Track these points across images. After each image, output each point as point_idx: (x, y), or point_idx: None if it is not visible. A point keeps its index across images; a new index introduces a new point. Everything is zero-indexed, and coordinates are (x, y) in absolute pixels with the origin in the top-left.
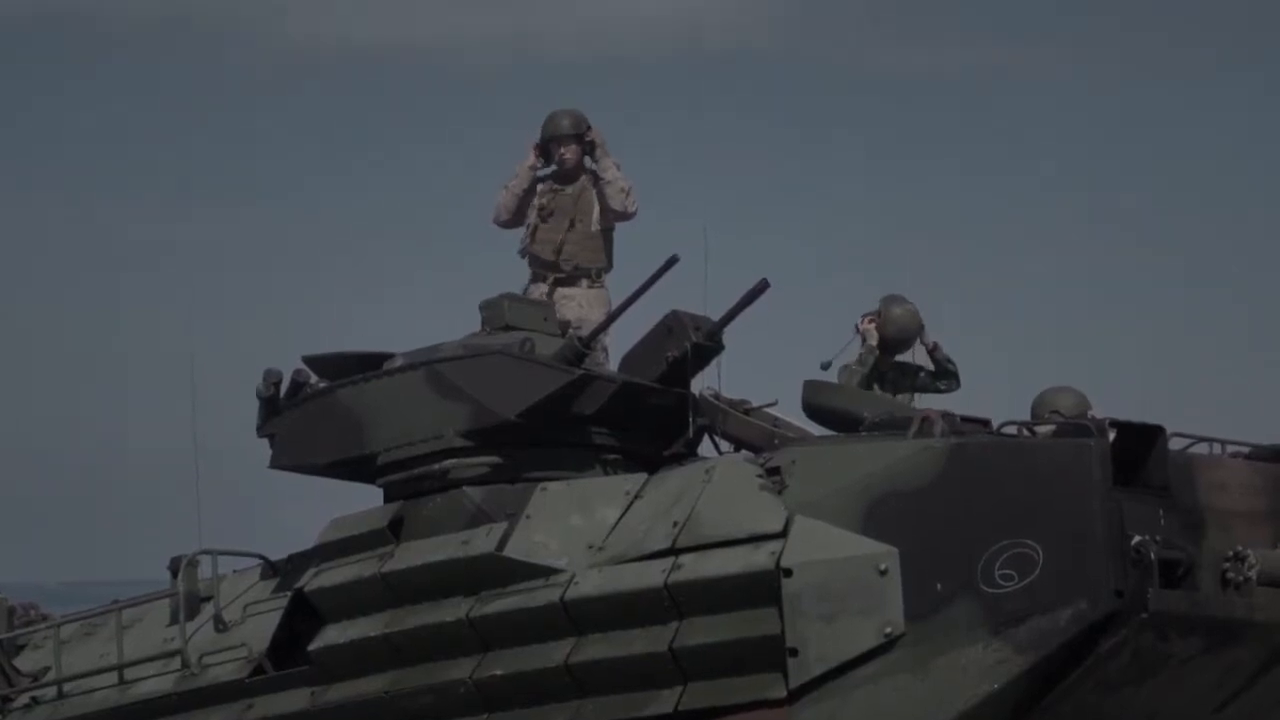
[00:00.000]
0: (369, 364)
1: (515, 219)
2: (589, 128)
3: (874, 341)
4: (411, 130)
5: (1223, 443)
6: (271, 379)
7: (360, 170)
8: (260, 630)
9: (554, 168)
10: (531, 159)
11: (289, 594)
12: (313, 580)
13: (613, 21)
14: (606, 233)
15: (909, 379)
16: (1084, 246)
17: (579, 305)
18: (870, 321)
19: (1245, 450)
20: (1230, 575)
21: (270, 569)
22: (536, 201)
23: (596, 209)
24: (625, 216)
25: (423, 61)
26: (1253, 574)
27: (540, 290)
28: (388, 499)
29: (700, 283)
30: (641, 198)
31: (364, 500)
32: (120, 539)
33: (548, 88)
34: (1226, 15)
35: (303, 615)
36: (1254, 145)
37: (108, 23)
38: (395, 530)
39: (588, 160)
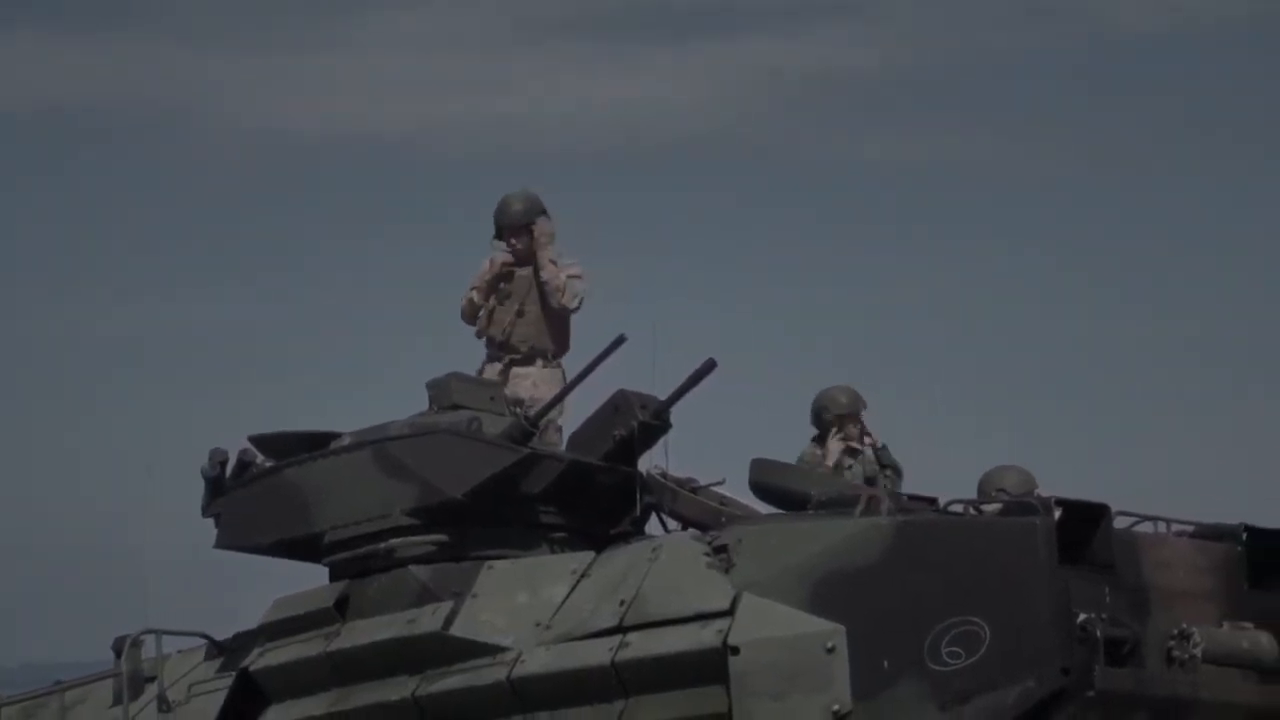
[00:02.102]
0: (315, 443)
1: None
2: (543, 212)
3: (832, 462)
4: (360, 214)
5: (1167, 521)
6: (217, 458)
7: (306, 253)
8: (205, 710)
9: (506, 248)
10: (501, 260)
11: (234, 674)
12: (258, 660)
13: (579, 110)
14: (555, 318)
15: (859, 464)
16: (1034, 327)
17: (533, 384)
18: (839, 435)
19: (1189, 529)
20: (1175, 653)
21: (215, 649)
22: (499, 274)
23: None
24: (565, 312)
25: (378, 149)
26: (1197, 652)
27: (495, 369)
28: (333, 578)
29: (649, 362)
30: (598, 280)
31: (310, 580)
32: (62, 620)
33: (510, 175)
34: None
35: (248, 695)
36: (1200, 229)
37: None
38: (341, 609)
39: (534, 246)
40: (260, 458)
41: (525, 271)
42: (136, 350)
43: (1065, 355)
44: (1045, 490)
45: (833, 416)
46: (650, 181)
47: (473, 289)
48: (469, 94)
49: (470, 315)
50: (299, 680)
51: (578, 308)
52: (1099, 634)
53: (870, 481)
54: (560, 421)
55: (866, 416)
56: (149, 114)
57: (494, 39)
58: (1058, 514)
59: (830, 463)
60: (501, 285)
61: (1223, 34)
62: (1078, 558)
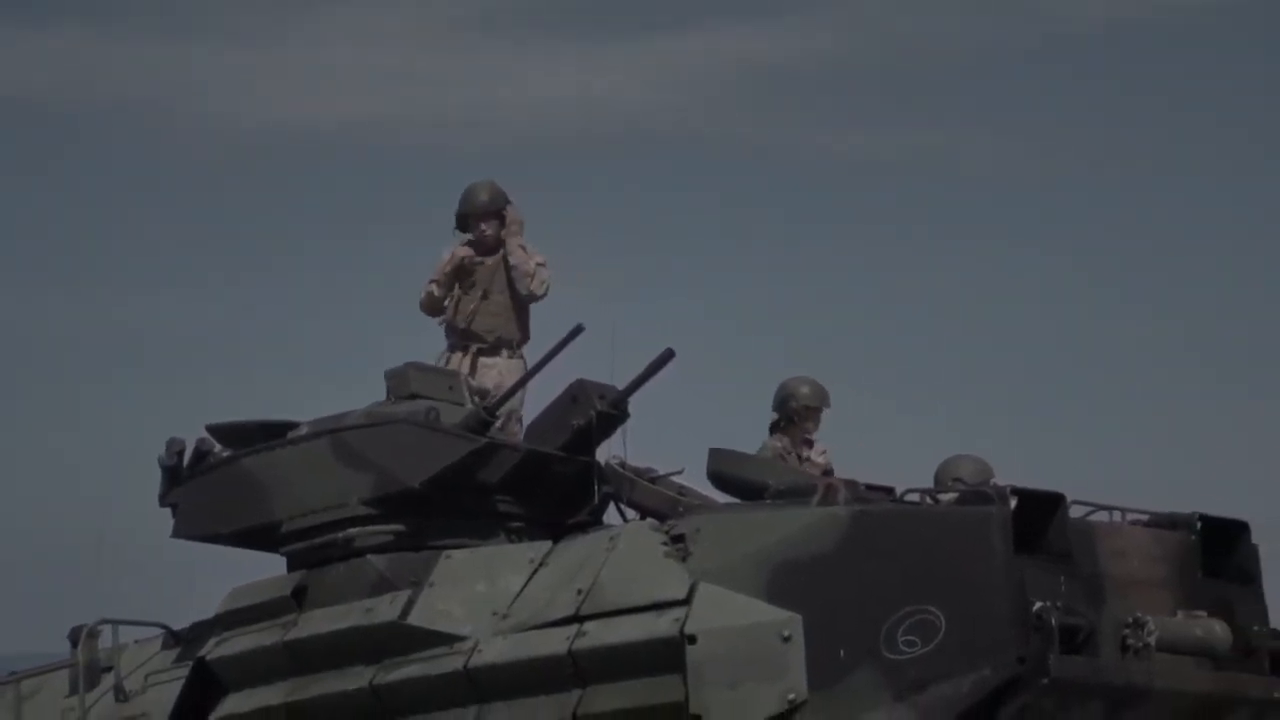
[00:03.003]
0: (273, 433)
1: (442, 308)
2: (508, 202)
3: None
4: (318, 206)
5: (1122, 510)
6: (175, 448)
7: (269, 241)
8: (161, 700)
9: (470, 237)
10: (461, 253)
11: (191, 663)
12: (215, 649)
13: (545, 101)
14: (521, 306)
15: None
16: (991, 318)
17: (499, 374)
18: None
19: (1144, 518)
20: (1130, 641)
21: (172, 638)
22: (464, 264)
23: (508, 284)
24: (531, 299)
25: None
26: (1152, 640)
27: (459, 359)
28: (291, 567)
29: (607, 352)
30: (559, 269)
31: (267, 569)
32: (16, 610)
33: (470, 166)
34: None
35: (205, 685)
36: (1158, 219)
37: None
38: (298, 598)
39: (504, 233)
40: (218, 447)
41: (491, 260)
42: (91, 344)
43: (1021, 346)
44: (1002, 479)
45: (798, 406)
46: (609, 173)
47: (432, 281)
48: (428, 86)
49: (429, 308)
50: (256, 670)
51: (545, 295)
52: (1054, 622)
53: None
54: (520, 412)
55: (828, 416)
56: (101, 108)
57: (452, 31)
58: (1013, 503)
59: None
60: (463, 276)
61: (1179, 26)
62: (1033, 547)
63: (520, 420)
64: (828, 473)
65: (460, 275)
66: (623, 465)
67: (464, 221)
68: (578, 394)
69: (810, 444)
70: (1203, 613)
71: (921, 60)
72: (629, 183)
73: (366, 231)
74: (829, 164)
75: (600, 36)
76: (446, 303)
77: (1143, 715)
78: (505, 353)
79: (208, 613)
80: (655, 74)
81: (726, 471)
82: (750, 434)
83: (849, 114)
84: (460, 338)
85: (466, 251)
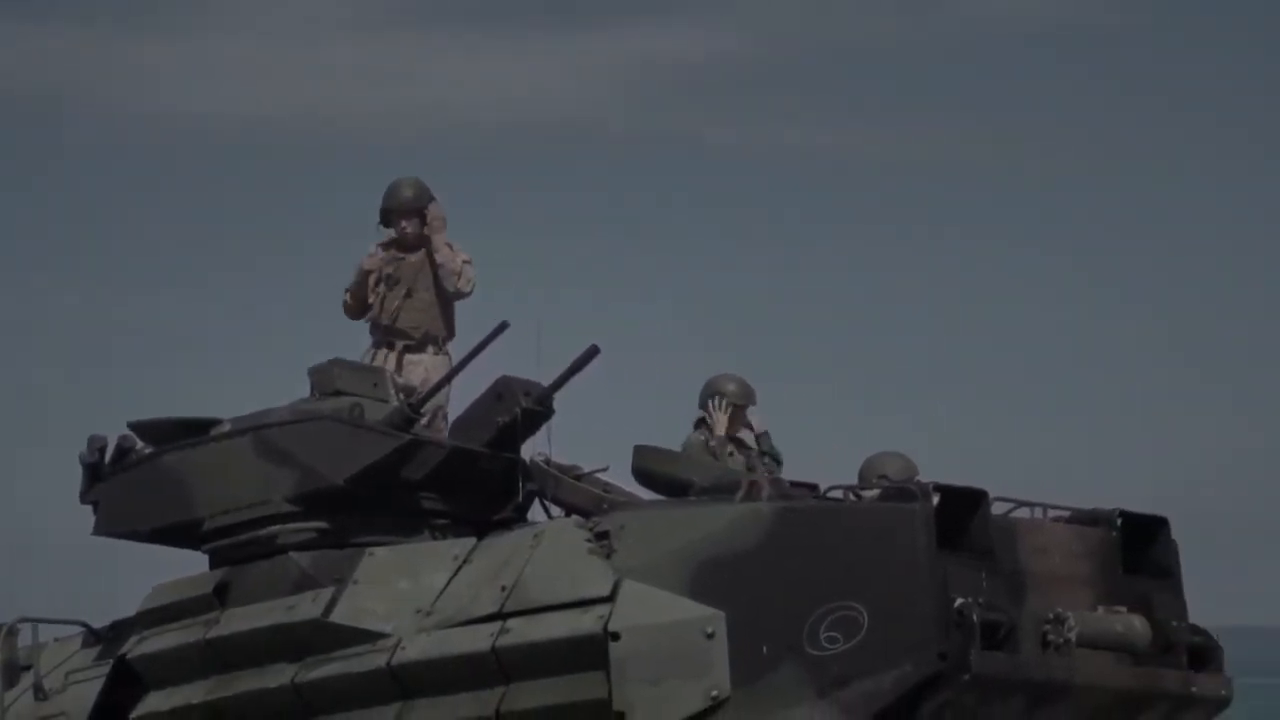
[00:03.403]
0: (195, 429)
1: (365, 308)
2: (432, 199)
3: (722, 431)
4: (242, 199)
5: (1044, 507)
6: (96, 445)
7: (187, 234)
8: (82, 699)
9: (393, 234)
10: (369, 267)
11: (111, 661)
12: (136, 647)
13: (459, 96)
14: (446, 303)
15: (744, 452)
16: (916, 316)
17: (424, 370)
18: (722, 406)
19: (1066, 514)
20: (1050, 637)
21: (92, 636)
22: (382, 270)
23: (434, 281)
24: (458, 296)
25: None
26: (1072, 636)
27: (385, 356)
28: (213, 565)
29: (532, 348)
30: (484, 266)
31: (189, 567)
32: None
33: (395, 161)
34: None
35: (125, 683)
36: (1091, 213)
37: None
38: (220, 596)
39: (427, 230)
40: (139, 444)
41: (414, 257)
42: (7, 336)
43: (943, 344)
44: (926, 477)
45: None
46: (531, 168)
47: (346, 291)
48: (352, 80)
49: (350, 314)
50: (177, 668)
51: (470, 292)
52: (975, 618)
53: (750, 469)
54: (446, 408)
55: (753, 412)
56: (21, 98)
57: (376, 25)
58: (936, 500)
59: (720, 431)
60: (388, 270)
61: (1098, 26)
62: (956, 543)
63: (446, 417)
64: (764, 453)
65: (380, 280)
66: (548, 462)
67: (387, 217)
68: (503, 391)
69: (741, 443)
70: (1123, 608)
71: (821, 58)
72: (552, 178)
73: (291, 225)
74: (755, 160)
75: (520, 30)
76: (371, 301)
77: (1063, 710)
78: (431, 349)
79: (129, 611)
80: (573, 71)
81: (652, 469)
82: (676, 431)
83: (772, 110)
84: (385, 335)
85: (374, 264)
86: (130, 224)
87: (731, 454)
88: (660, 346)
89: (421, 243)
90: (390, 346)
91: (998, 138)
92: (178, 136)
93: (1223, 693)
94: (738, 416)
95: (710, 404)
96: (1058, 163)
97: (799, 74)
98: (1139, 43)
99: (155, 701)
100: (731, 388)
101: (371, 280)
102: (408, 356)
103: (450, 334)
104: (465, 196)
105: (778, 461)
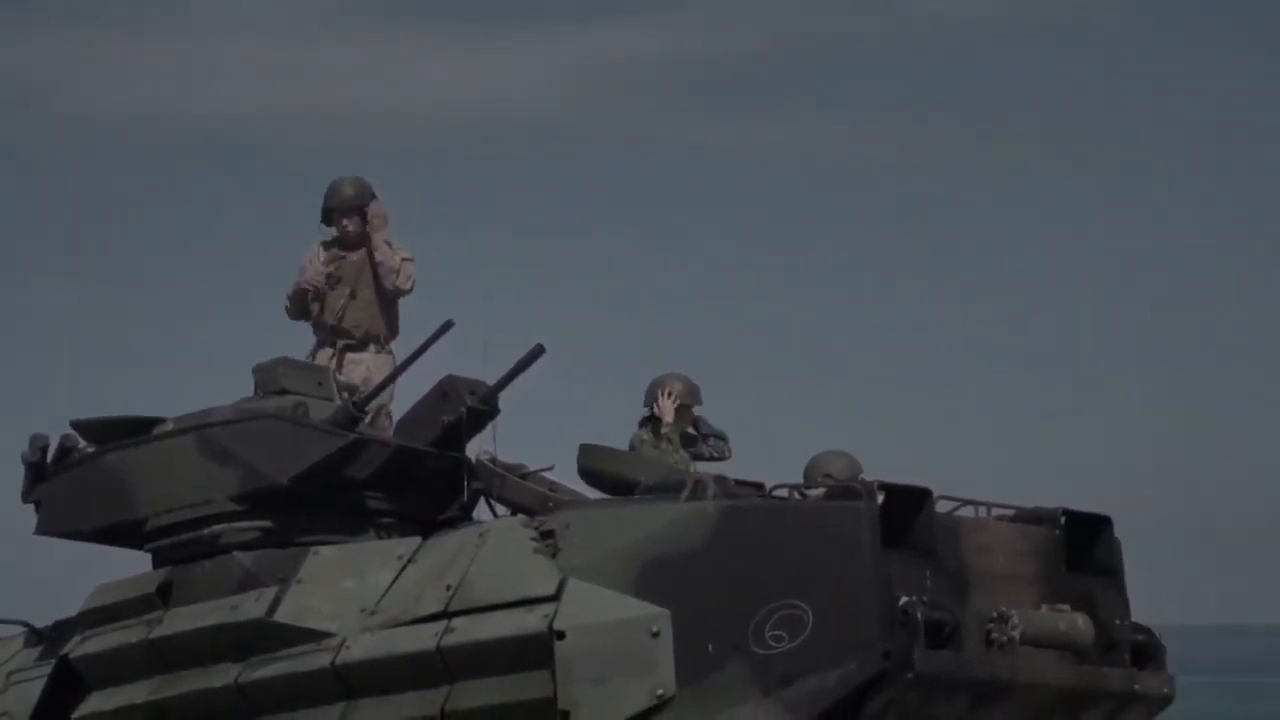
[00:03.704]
0: (138, 428)
1: (306, 310)
2: (373, 197)
3: (670, 418)
4: (189, 198)
5: (988, 505)
6: (38, 444)
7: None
8: (23, 699)
9: (335, 232)
10: (306, 286)
11: (53, 661)
12: (78, 647)
13: (415, 94)
14: (388, 302)
15: (692, 448)
16: (863, 315)
17: (366, 369)
18: (670, 396)
19: (1010, 513)
20: (994, 636)
21: (34, 636)
22: (322, 268)
23: (375, 279)
24: (398, 294)
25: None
26: (1016, 634)
27: (327, 355)
28: (157, 564)
29: (478, 347)
30: (429, 266)
31: (132, 567)
32: None
33: (349, 160)
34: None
35: (68, 683)
36: (1036, 214)
37: None
38: (164, 595)
39: (368, 228)
40: (82, 443)
41: (356, 256)
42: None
43: (889, 344)
44: (871, 476)
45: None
46: (480, 167)
47: (288, 297)
48: (308, 79)
49: (293, 314)
50: (120, 668)
51: (410, 290)
52: (920, 617)
53: (697, 456)
54: (390, 408)
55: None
56: None
57: (332, 24)
58: (881, 498)
59: (669, 419)
60: (330, 270)
61: (1050, 28)
62: (900, 542)
63: (390, 415)
64: (707, 435)
65: (306, 300)
66: (493, 461)
67: (329, 216)
68: (448, 389)
69: (693, 440)
70: (1066, 606)
71: (792, 55)
72: (501, 177)
73: (241, 225)
74: (701, 158)
75: (481, 28)
76: (312, 301)
77: (1006, 709)
78: (373, 348)
79: (71, 610)
80: (532, 70)
81: (597, 467)
82: (622, 430)
83: (718, 109)
84: (328, 334)
85: (312, 283)
86: (61, 221)
87: (680, 450)
88: (608, 345)
89: (363, 241)
90: (332, 346)
91: (957, 136)
92: (139, 134)
93: (1165, 690)
94: (684, 415)
95: (659, 393)
96: (1016, 162)
97: (762, 73)
98: (1100, 43)
99: (98, 702)
100: (678, 386)
101: (309, 296)
102: (349, 355)
103: (393, 333)
104: (413, 196)
105: (724, 439)
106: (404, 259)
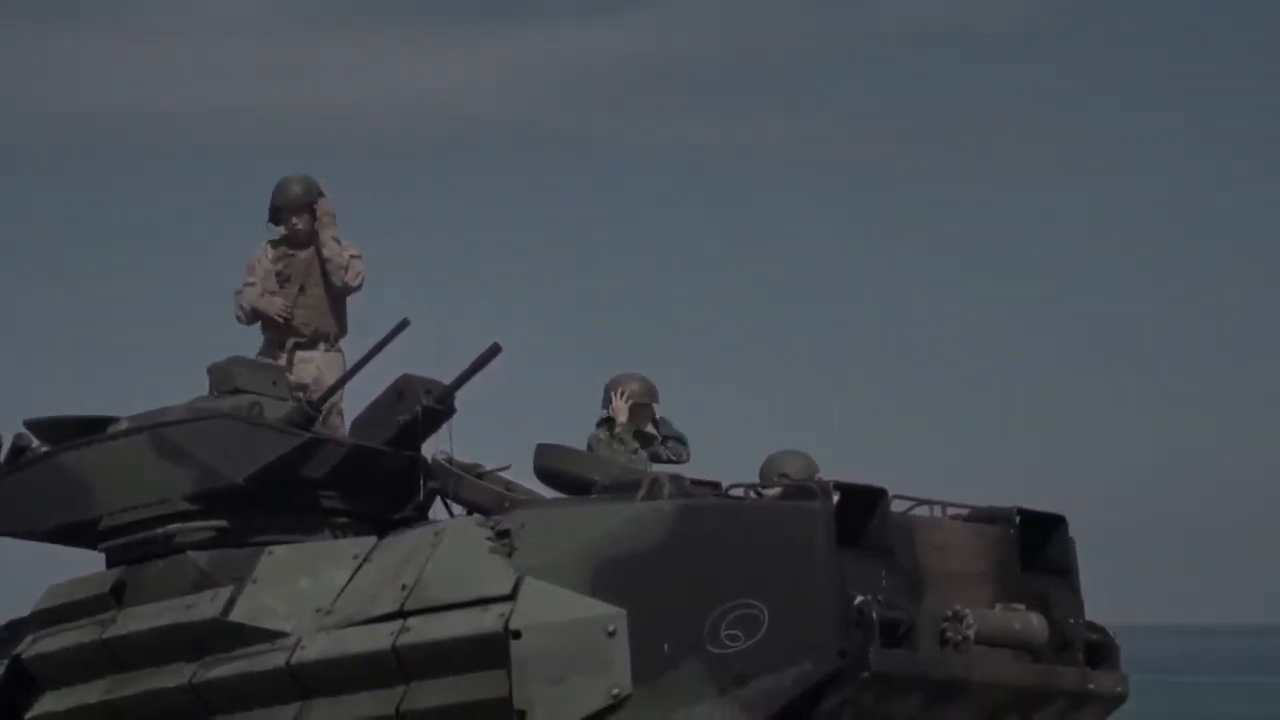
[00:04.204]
0: (92, 428)
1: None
2: (321, 195)
3: (624, 418)
4: (143, 196)
5: (943, 505)
6: None
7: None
8: None
9: (284, 231)
10: (270, 258)
11: (6, 662)
12: (31, 647)
13: (368, 94)
14: (336, 299)
15: (650, 448)
16: (819, 316)
17: (316, 368)
18: (624, 396)
19: (964, 512)
20: (949, 635)
21: None
22: (271, 266)
23: (324, 277)
24: (347, 291)
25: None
26: (970, 633)
27: (278, 354)
28: (110, 564)
29: (433, 347)
30: (380, 265)
31: (86, 566)
32: None
33: (301, 159)
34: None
35: (20, 683)
36: (985, 212)
37: None
38: (117, 595)
39: (316, 226)
40: (35, 442)
41: (305, 253)
42: None
43: (845, 343)
44: (827, 475)
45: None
46: (437, 167)
47: (242, 305)
48: (266, 79)
49: (249, 323)
50: (73, 668)
51: (359, 287)
52: (875, 616)
53: (655, 457)
54: (341, 406)
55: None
56: None
57: (291, 23)
58: (836, 498)
59: (622, 418)
60: (279, 268)
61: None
62: (855, 541)
63: (341, 413)
64: (668, 437)
65: (260, 318)
66: (449, 461)
67: (277, 215)
68: (404, 389)
69: (650, 439)
70: (1021, 606)
71: (742, 56)
72: (457, 177)
73: (194, 222)
74: (655, 158)
75: (436, 30)
76: (259, 301)
77: (961, 708)
78: (323, 346)
79: (23, 610)
80: (487, 71)
81: (554, 467)
82: (579, 430)
83: (677, 107)
84: (278, 333)
85: (281, 315)
86: (17, 220)
87: (636, 450)
88: (565, 344)
89: (312, 239)
90: (281, 345)
91: (898, 137)
92: (68, 133)
93: (1118, 689)
94: (642, 413)
95: (613, 393)
96: (977, 163)
97: (710, 73)
98: (1047, 44)
99: (51, 702)
100: (635, 385)
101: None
102: (299, 354)
103: (342, 331)
104: (367, 194)
105: (683, 442)
106: (352, 256)
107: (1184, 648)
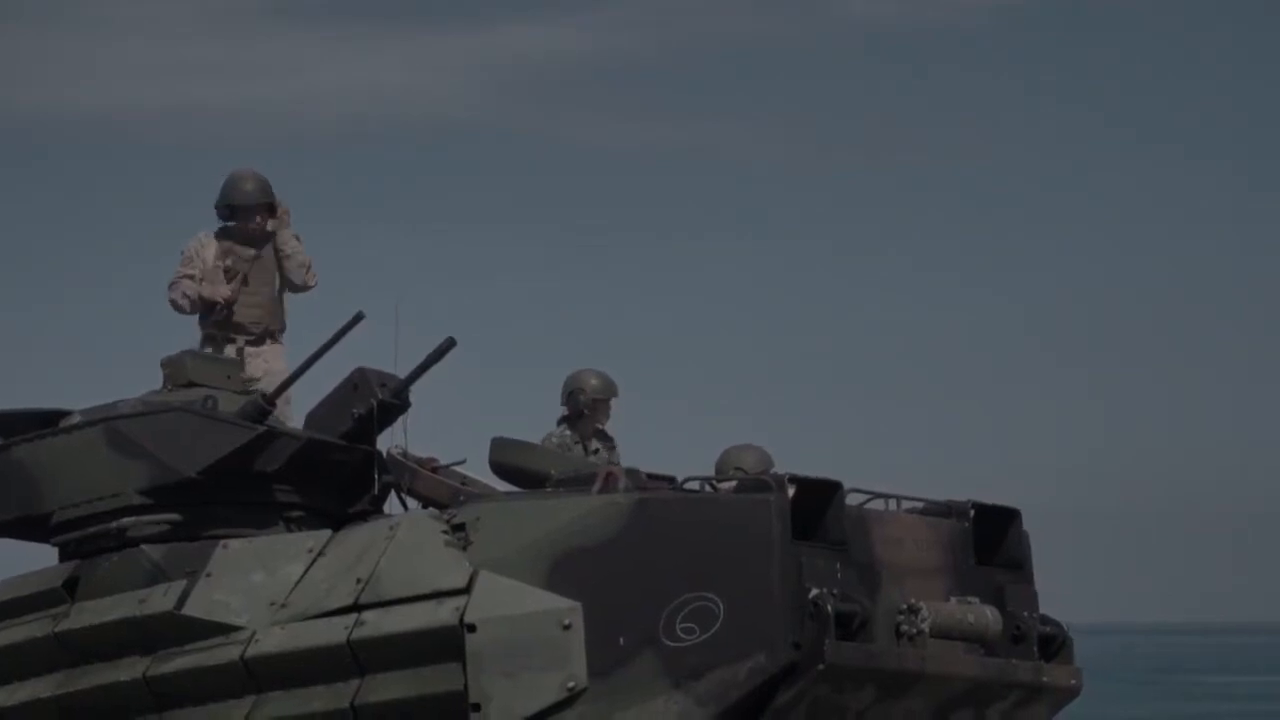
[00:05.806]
0: (44, 421)
1: (204, 304)
2: (273, 192)
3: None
4: (94, 194)
5: (898, 498)
6: None
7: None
8: None
9: (232, 224)
10: (213, 252)
11: None
12: None
13: (309, 91)
14: (279, 297)
15: (607, 441)
16: (772, 312)
17: (265, 362)
18: (584, 392)
19: (919, 505)
20: (904, 628)
21: None
22: (218, 263)
23: (277, 277)
24: (304, 289)
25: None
26: (925, 626)
27: (230, 350)
28: (63, 558)
29: (390, 341)
30: (336, 259)
31: (38, 561)
32: None
33: (253, 155)
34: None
35: None
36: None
37: None
38: (70, 589)
39: (271, 224)
40: None
41: (257, 250)
42: None
43: (800, 339)
44: (783, 469)
45: (586, 399)
46: (391, 163)
47: (184, 294)
48: (217, 77)
49: (192, 313)
50: (25, 662)
51: (314, 285)
52: (830, 609)
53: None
54: (289, 396)
55: (616, 405)
56: None
57: (242, 21)
58: (791, 491)
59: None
60: (227, 264)
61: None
62: (810, 534)
63: (288, 404)
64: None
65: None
66: (404, 454)
67: (233, 213)
68: (359, 382)
69: (607, 437)
70: (975, 599)
71: (691, 56)
72: (413, 173)
73: (142, 220)
74: (611, 157)
75: (383, 27)
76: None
77: (915, 700)
78: (269, 341)
79: None
80: (443, 67)
81: (509, 461)
82: (534, 424)
83: (631, 106)
84: (220, 329)
85: (226, 298)
86: None
87: (597, 450)
88: (520, 339)
89: (268, 237)
90: (230, 341)
91: (861, 134)
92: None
93: (1072, 682)
94: (601, 409)
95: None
96: (911, 156)
97: (654, 73)
98: (987, 43)
99: (3, 697)
100: (594, 381)
101: (217, 307)
102: (248, 349)
103: (283, 326)
104: (320, 190)
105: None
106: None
107: (1148, 645)
